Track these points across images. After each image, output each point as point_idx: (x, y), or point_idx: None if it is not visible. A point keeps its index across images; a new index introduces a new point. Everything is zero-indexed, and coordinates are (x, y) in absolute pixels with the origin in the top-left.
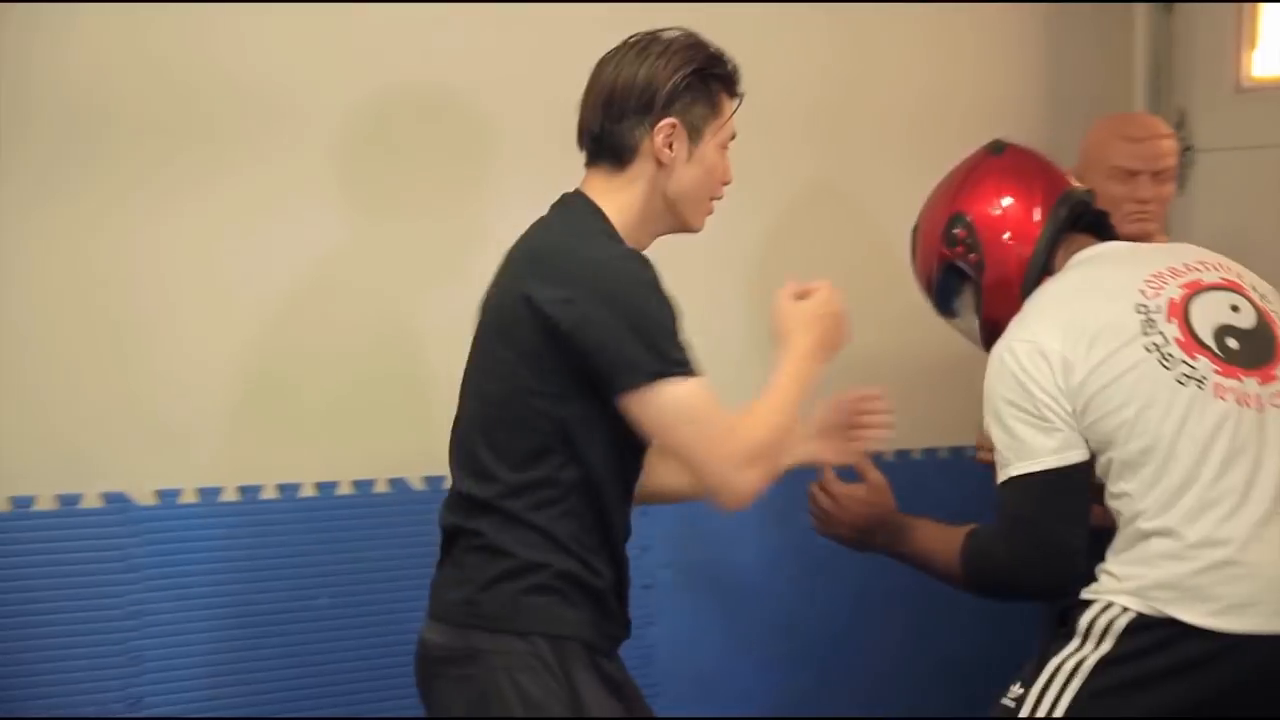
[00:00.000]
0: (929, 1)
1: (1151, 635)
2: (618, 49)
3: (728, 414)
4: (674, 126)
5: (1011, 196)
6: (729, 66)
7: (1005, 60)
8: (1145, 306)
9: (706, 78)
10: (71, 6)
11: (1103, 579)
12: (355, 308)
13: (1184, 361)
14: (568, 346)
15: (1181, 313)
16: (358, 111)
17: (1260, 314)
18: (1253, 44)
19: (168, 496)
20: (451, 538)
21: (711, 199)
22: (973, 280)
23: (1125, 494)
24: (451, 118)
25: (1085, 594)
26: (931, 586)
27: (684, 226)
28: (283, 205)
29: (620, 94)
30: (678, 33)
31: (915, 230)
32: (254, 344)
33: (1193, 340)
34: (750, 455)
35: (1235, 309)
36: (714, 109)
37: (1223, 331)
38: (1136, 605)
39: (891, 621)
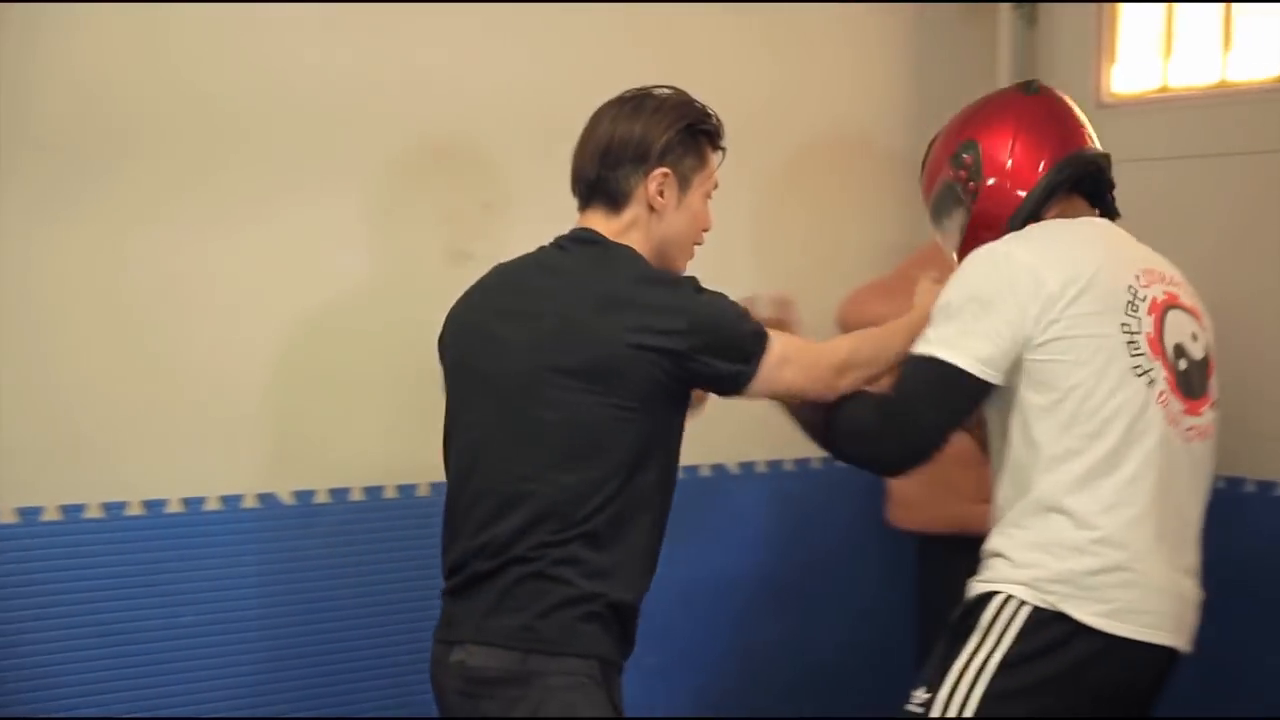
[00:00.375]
0: (786, 1)
1: (1049, 632)
2: (612, 104)
3: (811, 346)
4: (666, 176)
5: (1023, 139)
6: (715, 123)
7: (870, 70)
8: (1135, 291)
9: (696, 133)
10: (73, 6)
11: (998, 565)
12: (361, 319)
13: (1146, 355)
14: (678, 373)
15: (1160, 314)
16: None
17: (1207, 351)
18: (1112, 60)
19: (154, 507)
20: (496, 570)
21: (694, 244)
22: (965, 207)
23: (1037, 444)
24: (462, 140)
25: (983, 584)
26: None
27: (668, 267)
28: (296, 221)
29: (618, 145)
30: (669, 91)
31: (933, 141)
32: (257, 358)
33: (1159, 343)
34: (837, 367)
35: (1194, 337)
36: (701, 161)
37: (1179, 350)
38: (1032, 599)
39: (770, 622)
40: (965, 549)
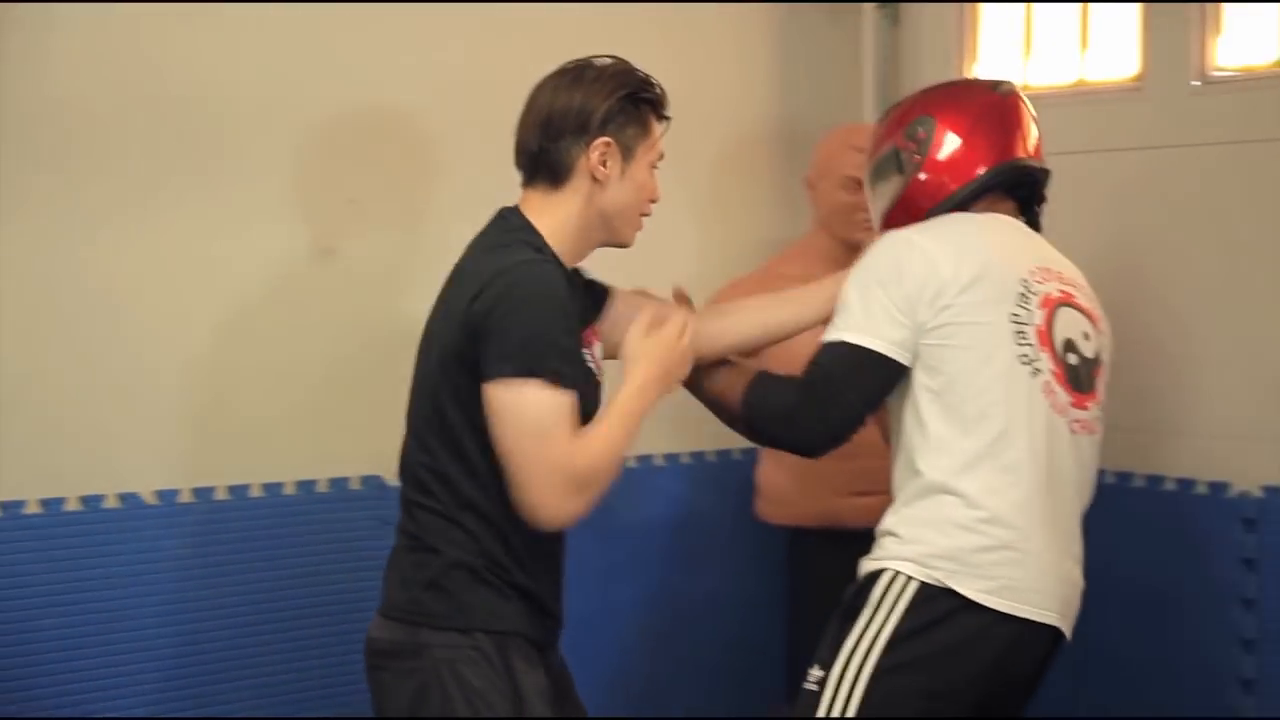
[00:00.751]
0: (649, 2)
1: (935, 607)
2: (553, 75)
3: (574, 431)
4: (608, 145)
5: (977, 133)
6: (657, 91)
7: (740, 75)
8: (1028, 284)
9: (638, 101)
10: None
11: (887, 543)
12: (315, 315)
13: (1033, 346)
14: (474, 343)
15: (1052, 310)
16: (318, 123)
17: (1098, 352)
18: (973, 59)
19: (131, 499)
20: (400, 544)
21: (641, 215)
22: (904, 177)
23: (926, 427)
24: (406, 131)
25: (871, 562)
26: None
27: (616, 239)
28: (242, 216)
29: (558, 116)
30: (610, 60)
31: (891, 107)
32: (207, 354)
33: (1048, 336)
34: (577, 483)
35: (1086, 336)
36: (645, 130)
37: (1069, 346)
38: (918, 574)
39: (637, 621)
40: (837, 543)
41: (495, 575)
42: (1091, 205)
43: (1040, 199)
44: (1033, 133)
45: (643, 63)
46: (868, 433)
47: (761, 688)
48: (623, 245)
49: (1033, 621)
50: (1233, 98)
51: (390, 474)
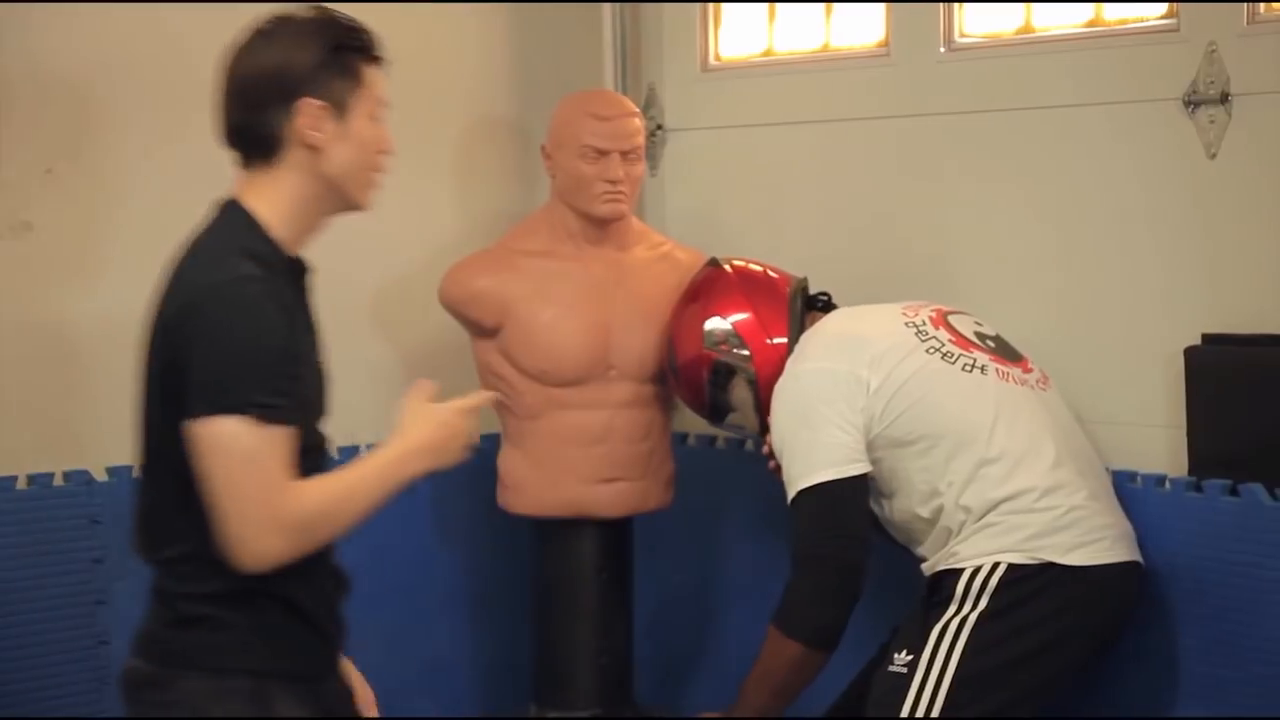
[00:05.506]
0: None
1: (1024, 586)
2: (245, 37)
3: (288, 473)
4: (316, 107)
5: (755, 297)
6: (365, 37)
7: (473, 35)
8: (912, 322)
9: (341, 51)
10: None
11: (961, 550)
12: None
13: (963, 355)
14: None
15: (944, 323)
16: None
17: (996, 331)
18: (717, 23)
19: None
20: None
21: (373, 172)
22: (745, 373)
23: (938, 488)
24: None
25: (949, 564)
26: (416, 594)
27: (350, 204)
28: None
29: (255, 84)
30: (306, 11)
31: (670, 365)
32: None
33: (964, 340)
34: (282, 524)
35: (979, 324)
36: (356, 81)
37: (980, 335)
38: (1006, 558)
39: (366, 624)
40: (582, 532)
41: (249, 602)
42: (837, 174)
43: (823, 294)
44: (770, 267)
45: (375, 30)
46: (613, 416)
47: (507, 685)
48: (359, 209)
49: (1117, 563)
50: (978, 65)
51: (98, 469)
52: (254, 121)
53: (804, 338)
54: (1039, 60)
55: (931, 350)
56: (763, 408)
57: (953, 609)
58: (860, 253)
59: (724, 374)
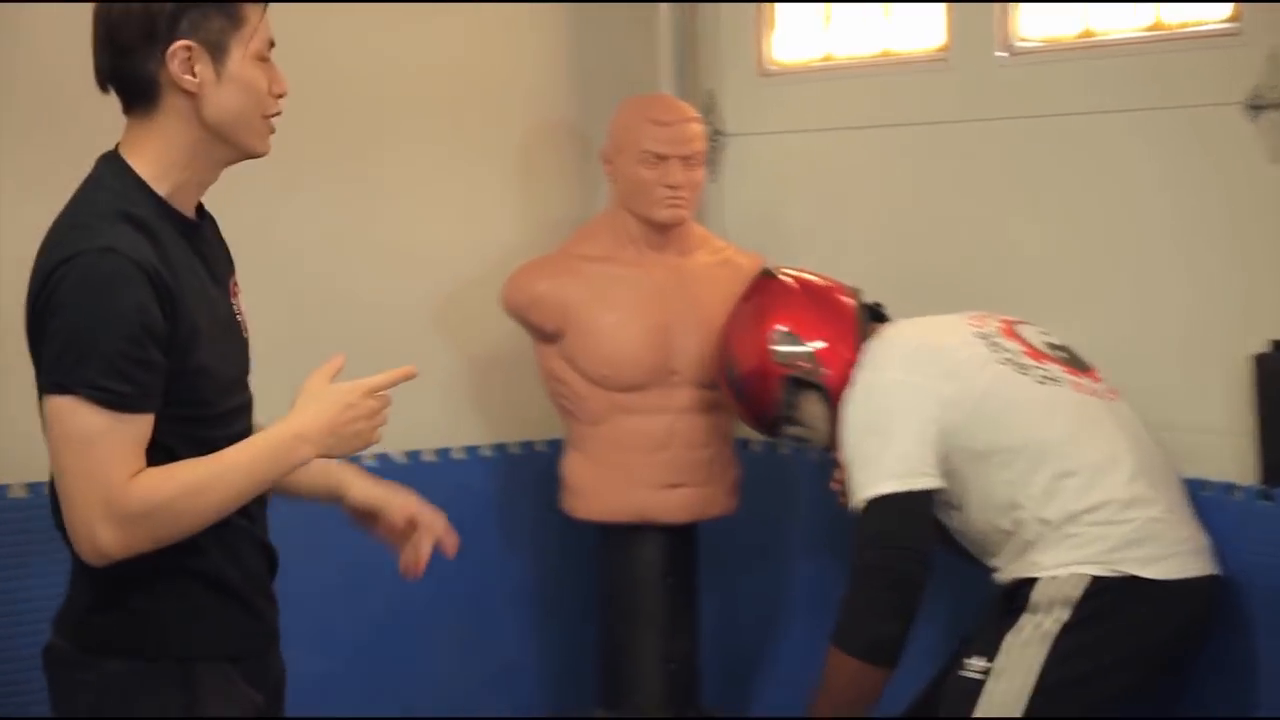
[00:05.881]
0: None
1: (1105, 598)
2: None
3: (131, 462)
4: (189, 49)
5: (819, 307)
6: None
7: (531, 41)
8: (982, 333)
9: None
10: None
11: (1041, 559)
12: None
13: (1036, 366)
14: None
15: (1014, 334)
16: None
17: (1062, 341)
18: (773, 28)
19: None
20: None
21: (266, 116)
22: (813, 384)
23: (1018, 499)
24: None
25: (1027, 573)
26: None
27: (243, 152)
28: None
29: (121, 27)
30: None
31: (728, 378)
32: None
33: (1036, 351)
34: (123, 514)
35: (1046, 334)
36: (234, 21)
37: (1050, 345)
38: (1088, 570)
39: (431, 629)
40: (646, 537)
41: (172, 582)
42: (897, 179)
43: (878, 305)
44: (826, 278)
45: (433, 36)
46: (675, 421)
47: (574, 689)
48: (255, 155)
49: (1197, 576)
50: (1037, 70)
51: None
52: (125, 66)
53: (873, 347)
54: (1099, 64)
55: (1005, 361)
56: (834, 420)
57: (1031, 618)
58: (920, 258)
59: (794, 389)
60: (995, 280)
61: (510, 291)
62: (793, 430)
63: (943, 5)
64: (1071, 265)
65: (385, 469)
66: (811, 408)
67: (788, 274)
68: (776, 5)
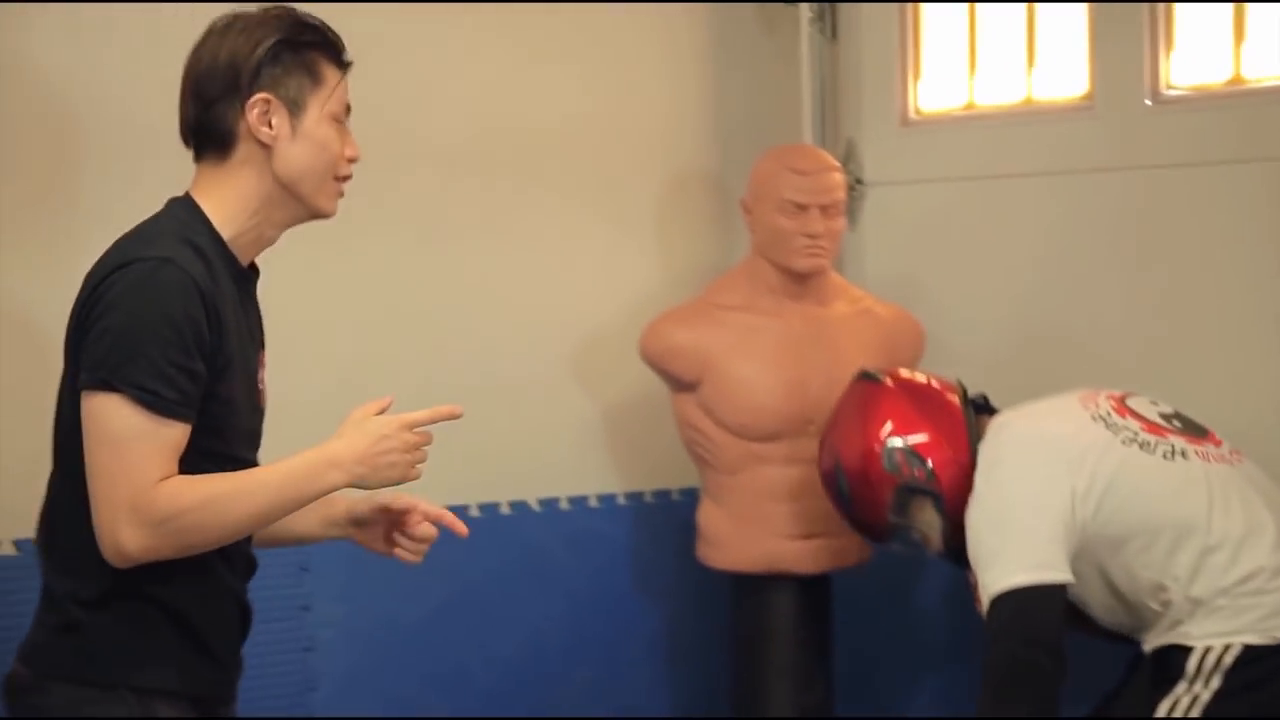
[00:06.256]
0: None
1: (1261, 666)
2: (203, 35)
3: (163, 466)
4: (268, 101)
5: (927, 413)
6: (324, 34)
7: (672, 90)
8: (1096, 415)
9: (298, 47)
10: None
11: (1192, 630)
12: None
13: (1159, 441)
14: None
15: (1127, 410)
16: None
17: (1170, 406)
18: (917, 77)
19: None
20: None
21: (337, 178)
22: (928, 492)
23: (1163, 583)
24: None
25: (1177, 641)
26: (615, 646)
27: (309, 209)
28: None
29: (207, 78)
30: (265, 6)
31: (837, 490)
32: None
33: (1153, 425)
34: (148, 516)
35: (1155, 402)
36: (314, 79)
37: (1164, 416)
38: (1240, 639)
39: (565, 676)
40: (781, 588)
41: (136, 613)
42: (1040, 229)
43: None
44: (931, 375)
45: (566, 89)
46: (812, 471)
47: None
48: (321, 215)
49: None
50: (1186, 117)
51: None
52: (208, 117)
53: (989, 444)
54: (1250, 111)
55: (1127, 441)
56: (949, 526)
57: (1184, 686)
58: (1063, 308)
59: (906, 497)
60: (1140, 331)
61: (648, 340)
62: (907, 538)
63: (1087, 52)
64: (1221, 320)
65: (521, 516)
66: (925, 515)
67: (891, 376)
68: (921, 55)
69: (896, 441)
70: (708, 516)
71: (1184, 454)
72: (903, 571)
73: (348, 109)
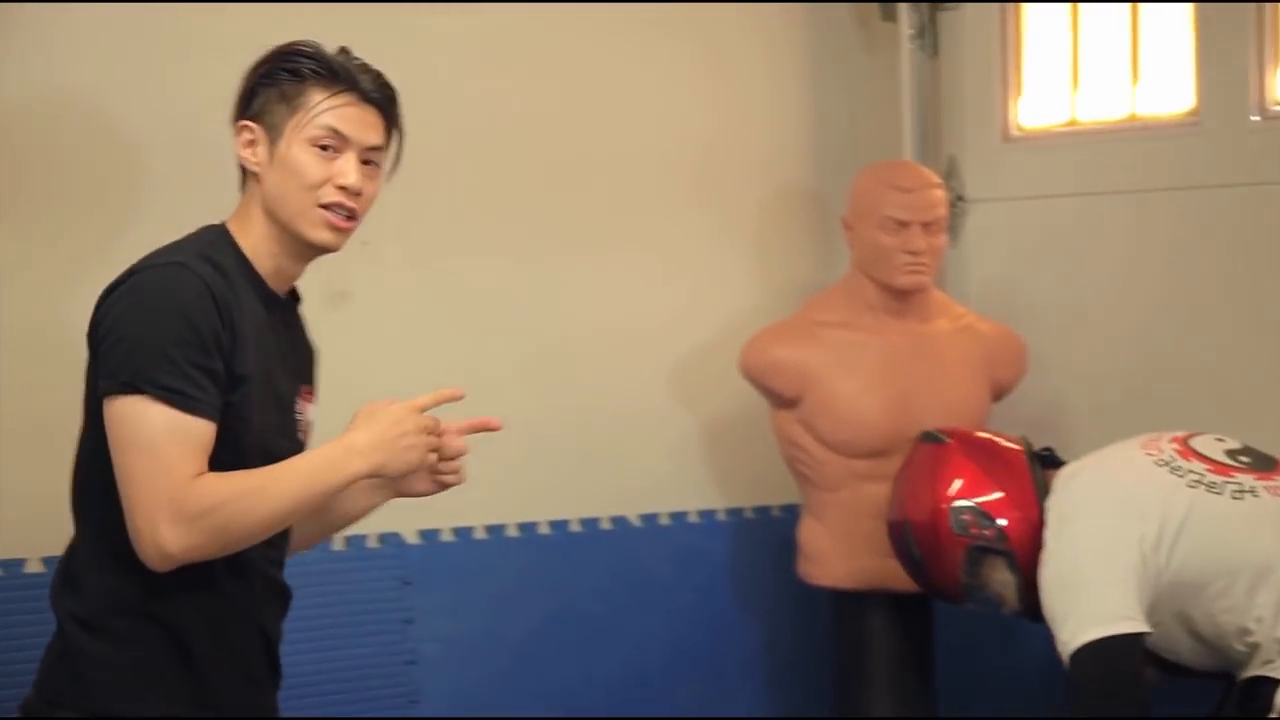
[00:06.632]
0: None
1: None
2: None
3: (196, 463)
4: (249, 129)
5: (992, 470)
6: (307, 61)
7: (771, 107)
8: (1162, 460)
9: (275, 74)
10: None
11: None
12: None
13: (1227, 482)
14: (95, 356)
15: (1189, 451)
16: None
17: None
18: (1019, 93)
19: None
20: None
21: (320, 205)
22: (1002, 551)
23: (1242, 626)
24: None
25: (1267, 672)
26: (716, 662)
27: (297, 238)
28: None
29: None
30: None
31: (905, 540)
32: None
33: (1219, 465)
34: (186, 512)
35: (1221, 439)
36: (290, 105)
37: (1230, 454)
38: None
39: (666, 692)
40: (882, 605)
41: (137, 633)
42: (1143, 246)
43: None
44: (992, 432)
45: (663, 107)
46: None
47: None
48: (312, 245)
49: None
50: None
51: (409, 532)
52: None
53: (1056, 498)
54: None
55: (1194, 484)
56: (1023, 583)
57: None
58: (1165, 327)
59: (979, 557)
60: (1245, 349)
61: (749, 356)
62: (982, 598)
63: (1193, 68)
64: None
65: (622, 531)
66: (999, 574)
67: (954, 436)
68: (1023, 69)
69: (964, 502)
70: (809, 533)
71: (1253, 491)
72: None
73: (333, 133)
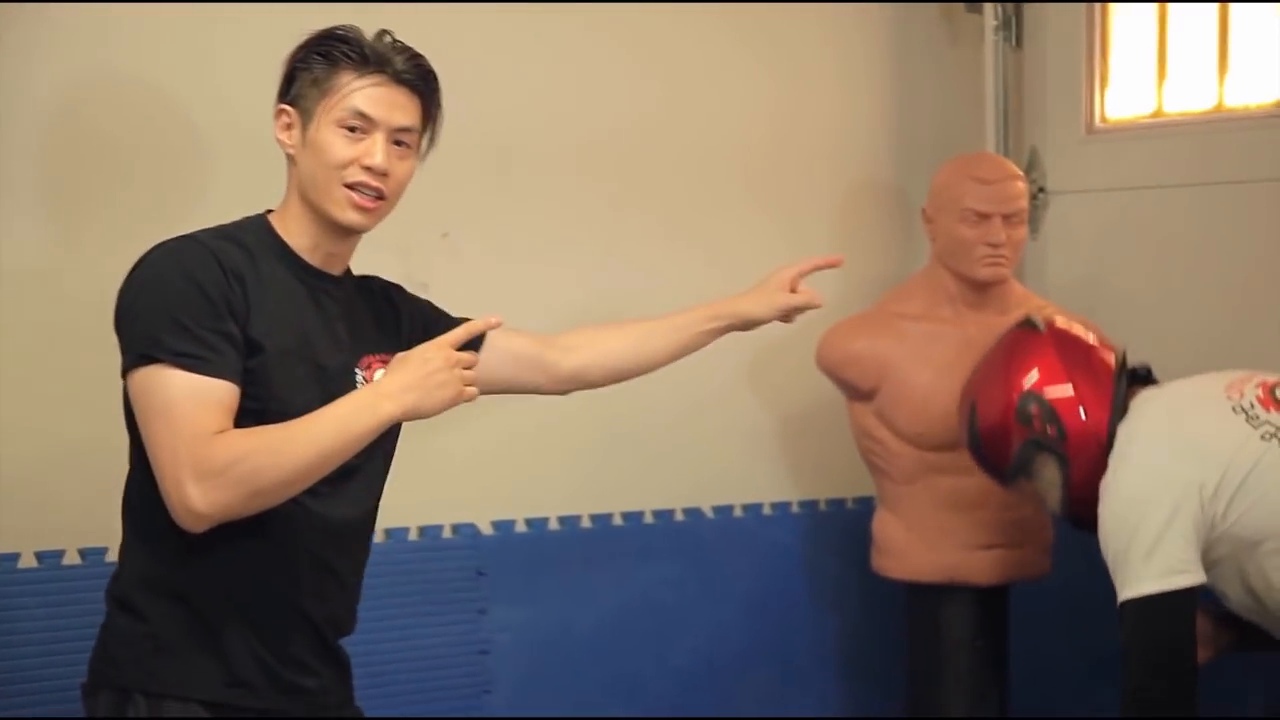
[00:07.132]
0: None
1: None
2: None
3: (217, 420)
4: (286, 113)
5: (1076, 371)
6: (344, 44)
7: (853, 98)
8: (1239, 406)
9: (311, 58)
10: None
11: None
12: None
13: None
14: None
15: (1274, 401)
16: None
17: None
18: (1104, 84)
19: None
20: None
21: (347, 185)
22: (1053, 451)
23: None
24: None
25: None
26: (789, 654)
27: (329, 220)
28: None
29: None
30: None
31: (970, 412)
32: None
33: None
34: (209, 467)
35: None
36: (320, 88)
37: None
38: None
39: (738, 683)
40: (958, 599)
41: (169, 616)
42: (1228, 239)
43: (1145, 368)
44: (1095, 332)
45: (748, 98)
46: (990, 481)
47: None
48: (342, 226)
49: None
50: None
51: (484, 523)
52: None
53: (1127, 427)
54: None
55: (1268, 436)
56: (1070, 491)
57: None
58: (1250, 321)
59: (1033, 451)
60: None
61: (826, 348)
62: (1027, 488)
63: None
64: None
65: (695, 523)
66: (1047, 472)
67: (1050, 325)
68: (1110, 60)
69: (1035, 394)
70: (884, 526)
71: None
72: (1081, 583)
73: (360, 115)
